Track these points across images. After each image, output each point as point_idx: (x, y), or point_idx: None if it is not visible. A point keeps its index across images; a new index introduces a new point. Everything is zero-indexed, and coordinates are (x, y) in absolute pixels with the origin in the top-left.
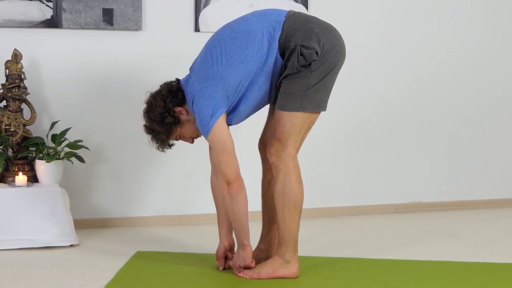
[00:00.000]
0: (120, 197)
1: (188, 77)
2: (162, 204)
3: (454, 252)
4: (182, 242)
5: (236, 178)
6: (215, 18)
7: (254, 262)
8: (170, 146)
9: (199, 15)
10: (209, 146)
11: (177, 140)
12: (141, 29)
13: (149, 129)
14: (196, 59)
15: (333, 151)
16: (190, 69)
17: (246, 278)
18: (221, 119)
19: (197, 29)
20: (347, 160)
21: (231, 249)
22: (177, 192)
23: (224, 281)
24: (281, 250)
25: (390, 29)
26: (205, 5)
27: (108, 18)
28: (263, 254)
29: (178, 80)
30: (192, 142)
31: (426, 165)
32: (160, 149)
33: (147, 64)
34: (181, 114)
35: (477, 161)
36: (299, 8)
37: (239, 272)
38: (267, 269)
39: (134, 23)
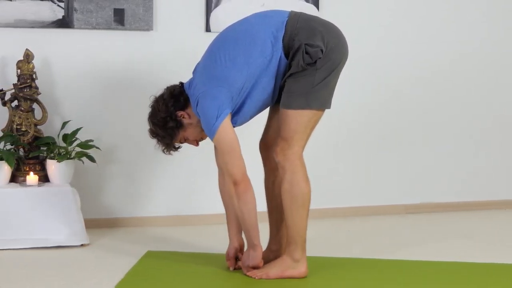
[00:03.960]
0: (130, 197)
1: (191, 80)
2: (173, 204)
3: (466, 252)
4: (192, 242)
5: (242, 178)
6: (227, 18)
7: (262, 262)
8: (176, 149)
9: (210, 15)
10: (215, 148)
11: (182, 143)
12: (152, 29)
13: (153, 134)
14: (199, 62)
15: (343, 151)
16: (193, 72)
17: (255, 278)
18: (227, 120)
19: (208, 29)
20: (358, 160)
21: (241, 249)
22: (187, 192)
23: (235, 281)
24: (290, 249)
25: (404, 28)
26: (216, 5)
27: (119, 18)
28: (273, 255)
29: (181, 83)
30: (197, 144)
31: (437, 165)
32: (166, 152)
33: (158, 64)
34: (183, 117)
35: (489, 161)
36: (310, 8)
37: (247, 272)
38: (275, 269)
39: (145, 23)
